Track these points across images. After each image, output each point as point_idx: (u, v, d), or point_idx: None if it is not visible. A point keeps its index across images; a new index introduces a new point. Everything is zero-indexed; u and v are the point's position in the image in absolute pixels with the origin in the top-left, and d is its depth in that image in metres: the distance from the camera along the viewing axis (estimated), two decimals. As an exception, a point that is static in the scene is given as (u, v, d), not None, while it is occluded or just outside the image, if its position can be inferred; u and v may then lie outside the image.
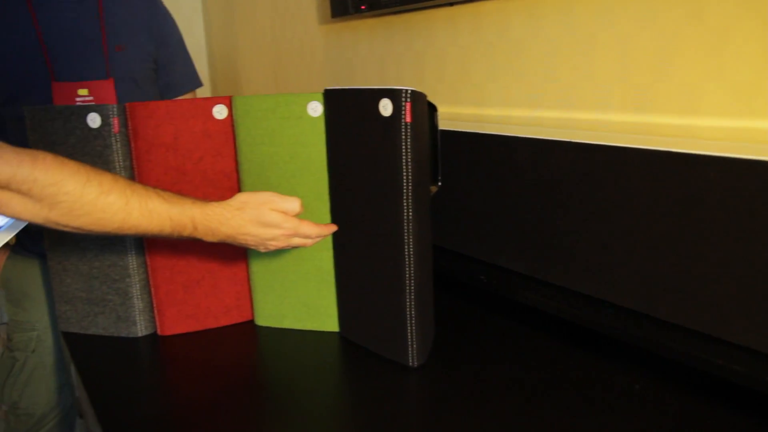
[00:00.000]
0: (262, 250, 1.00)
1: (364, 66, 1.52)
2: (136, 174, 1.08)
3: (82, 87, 1.37)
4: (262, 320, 1.16)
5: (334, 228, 1.03)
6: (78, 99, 1.37)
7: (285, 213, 0.98)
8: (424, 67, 1.33)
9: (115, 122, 1.06)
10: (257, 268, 1.13)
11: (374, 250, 0.98)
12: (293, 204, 0.98)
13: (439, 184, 1.05)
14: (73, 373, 1.11)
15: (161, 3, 1.54)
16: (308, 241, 1.01)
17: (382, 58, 1.44)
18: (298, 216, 1.00)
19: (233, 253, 1.14)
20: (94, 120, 1.07)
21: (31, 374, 1.47)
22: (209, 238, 0.96)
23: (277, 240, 0.99)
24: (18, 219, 0.88)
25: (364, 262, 1.01)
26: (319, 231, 1.01)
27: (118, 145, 1.07)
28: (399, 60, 1.39)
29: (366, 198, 0.97)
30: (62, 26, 1.37)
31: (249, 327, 1.17)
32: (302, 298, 1.12)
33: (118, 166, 1.08)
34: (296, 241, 1.00)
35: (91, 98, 1.38)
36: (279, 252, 1.10)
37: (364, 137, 0.95)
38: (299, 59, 1.81)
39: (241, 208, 0.96)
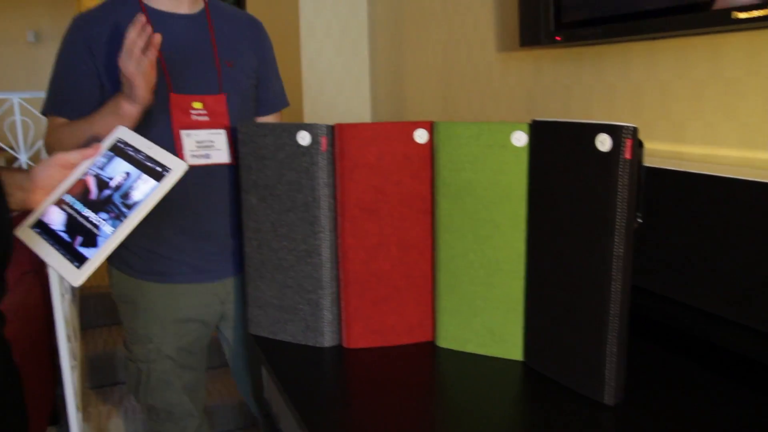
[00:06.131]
0: None
1: (545, 96, 1.52)
2: (338, 191, 1.13)
3: (197, 100, 1.41)
4: (444, 342, 1.18)
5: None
6: (192, 112, 1.41)
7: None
8: (615, 101, 1.32)
9: (324, 141, 1.12)
10: (444, 290, 1.15)
11: (575, 284, 0.97)
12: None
13: (639, 221, 1.03)
14: (265, 375, 1.17)
15: (261, 22, 1.60)
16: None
17: (568, 89, 1.44)
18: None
19: (421, 274, 1.17)
20: (304, 138, 1.13)
21: (158, 381, 1.52)
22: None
23: None
24: None
25: (560, 294, 1.00)
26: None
27: (325, 163, 1.13)
28: (587, 92, 1.38)
29: (570, 231, 0.97)
30: (178, 41, 1.42)
31: (430, 347, 1.19)
32: (487, 324, 1.13)
33: (322, 183, 1.13)
34: None
35: (204, 112, 1.42)
36: (468, 276, 1.12)
37: (575, 170, 0.95)
38: (473, 86, 1.83)
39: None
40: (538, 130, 1.01)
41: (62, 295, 2.03)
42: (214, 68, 1.45)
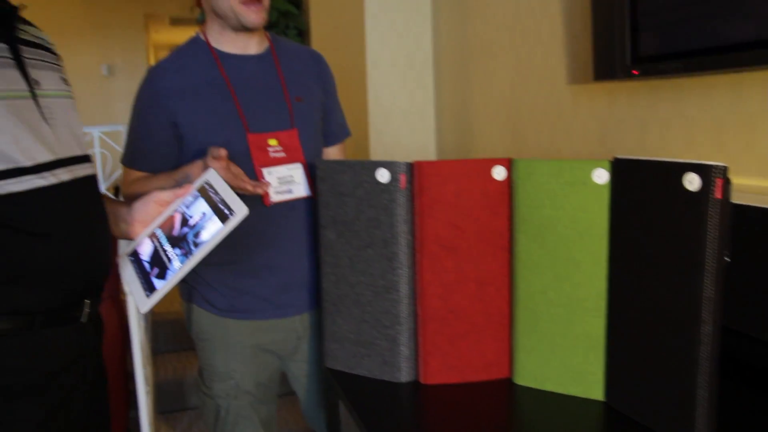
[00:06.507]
0: None
1: (619, 129, 1.50)
2: (417, 228, 1.15)
3: (272, 137, 1.44)
4: (521, 379, 1.17)
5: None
6: (270, 149, 1.44)
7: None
8: (695, 134, 1.29)
9: (402, 178, 1.14)
10: (522, 327, 1.14)
11: (662, 324, 0.95)
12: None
13: (727, 259, 1.01)
14: (342, 408, 1.18)
15: (322, 55, 1.63)
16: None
17: (644, 122, 1.42)
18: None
19: (499, 311, 1.17)
20: (383, 175, 1.15)
21: (237, 416, 1.53)
22: None
23: None
24: None
25: (646, 334, 0.98)
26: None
27: (404, 200, 1.14)
28: (664, 125, 1.37)
29: (655, 271, 0.95)
30: (249, 82, 1.46)
31: (507, 385, 1.18)
32: (567, 362, 1.11)
33: (401, 219, 1.15)
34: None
35: (280, 148, 1.45)
36: (547, 314, 1.11)
37: (660, 209, 0.94)
38: (542, 119, 1.82)
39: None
40: (620, 168, 1.01)
41: (138, 322, 2.09)
42: (284, 104, 1.49)
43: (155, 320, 3.08)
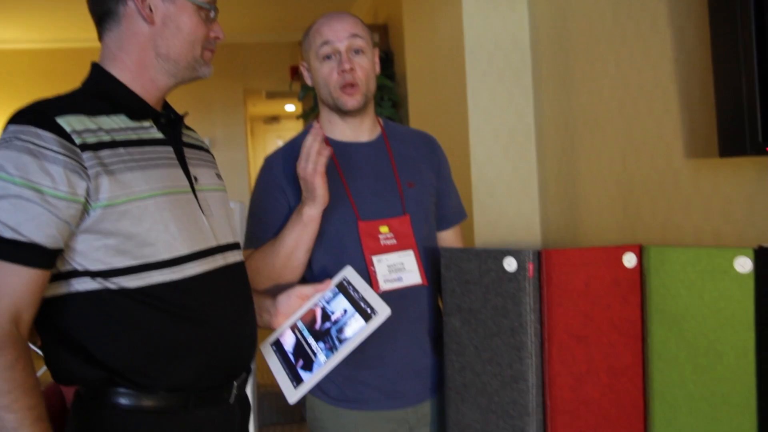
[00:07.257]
0: None
1: (749, 205, 1.44)
2: (545, 317, 1.13)
3: (383, 224, 1.44)
4: (660, 477, 1.11)
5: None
6: (380, 236, 1.43)
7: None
8: (837, 213, 1.23)
9: (530, 267, 1.13)
10: (660, 422, 1.09)
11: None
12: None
13: None
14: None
15: (435, 138, 1.63)
16: None
17: (776, 199, 1.36)
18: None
19: (633, 403, 1.12)
20: (510, 264, 1.14)
21: None
22: None
23: None
24: None
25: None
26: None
27: (531, 289, 1.13)
28: (801, 203, 1.30)
29: (813, 367, 0.90)
30: (361, 169, 1.48)
31: (644, 482, 1.12)
32: (712, 461, 1.05)
33: (529, 308, 1.13)
34: None
35: (391, 235, 1.44)
36: (687, 408, 1.06)
37: (816, 302, 0.89)
38: (658, 194, 1.78)
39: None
40: (765, 256, 0.96)
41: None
42: (396, 191, 1.50)
43: (260, 392, 3.12)
